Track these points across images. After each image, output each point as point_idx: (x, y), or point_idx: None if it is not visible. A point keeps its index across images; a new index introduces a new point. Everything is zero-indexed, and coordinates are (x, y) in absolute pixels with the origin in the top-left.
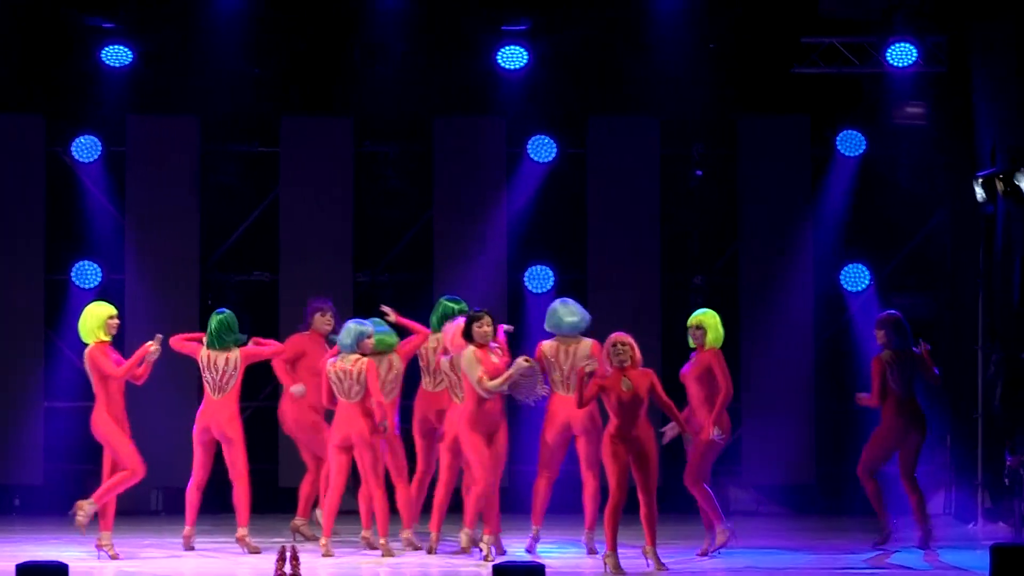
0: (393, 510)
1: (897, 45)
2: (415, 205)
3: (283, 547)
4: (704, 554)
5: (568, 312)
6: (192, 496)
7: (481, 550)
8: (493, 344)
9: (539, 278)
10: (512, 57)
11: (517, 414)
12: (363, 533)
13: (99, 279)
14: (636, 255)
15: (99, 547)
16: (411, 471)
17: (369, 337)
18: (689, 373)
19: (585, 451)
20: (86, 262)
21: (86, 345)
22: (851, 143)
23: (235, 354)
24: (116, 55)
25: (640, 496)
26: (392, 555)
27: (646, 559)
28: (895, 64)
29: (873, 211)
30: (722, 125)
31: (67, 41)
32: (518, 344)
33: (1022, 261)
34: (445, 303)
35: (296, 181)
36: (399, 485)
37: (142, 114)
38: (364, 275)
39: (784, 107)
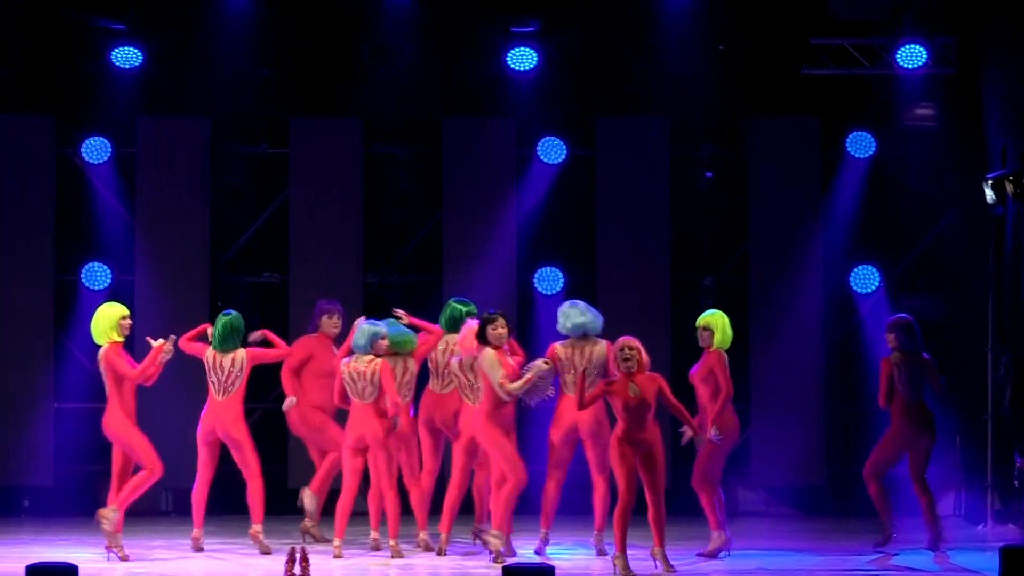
0: (406, 511)
1: (907, 46)
2: (424, 206)
3: (293, 548)
4: (706, 556)
5: (577, 313)
6: (198, 497)
7: (491, 552)
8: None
9: (549, 279)
10: (521, 58)
11: (524, 416)
12: (372, 534)
13: (108, 280)
14: (645, 256)
15: (109, 548)
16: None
17: (383, 338)
18: (696, 374)
19: (593, 454)
20: (96, 263)
21: (98, 346)
22: (861, 144)
23: (241, 355)
24: (125, 56)
25: (648, 498)
26: (402, 556)
27: (654, 561)
28: (905, 65)
29: (883, 212)
30: (731, 126)
31: (76, 43)
32: (528, 345)
33: None
34: (454, 305)
35: (305, 182)
36: (412, 487)
37: (151, 115)
38: (373, 276)
39: (794, 108)
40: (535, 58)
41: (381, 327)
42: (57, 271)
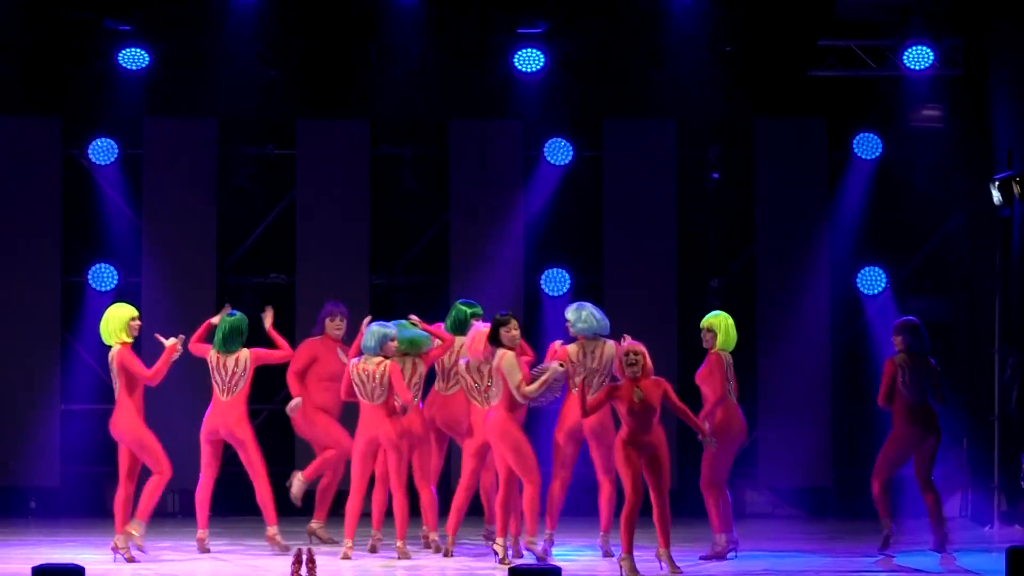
0: (415, 513)
1: (914, 48)
2: (431, 208)
3: (299, 550)
4: (708, 559)
5: (587, 314)
6: (202, 498)
7: (496, 553)
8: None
9: (555, 281)
10: (528, 60)
11: (529, 416)
12: (374, 535)
13: (115, 281)
14: (652, 257)
15: (115, 550)
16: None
17: (393, 340)
18: (699, 376)
19: (597, 455)
20: (103, 264)
21: (107, 347)
22: (868, 146)
23: (244, 355)
24: (133, 58)
25: (652, 499)
26: (408, 557)
27: (660, 562)
28: (912, 67)
29: (889, 214)
30: (738, 128)
31: (84, 44)
32: (535, 347)
33: None
34: (459, 306)
35: (312, 183)
36: (423, 488)
37: (158, 116)
38: (380, 277)
39: (801, 110)
40: (542, 60)
41: (391, 329)
42: (64, 272)
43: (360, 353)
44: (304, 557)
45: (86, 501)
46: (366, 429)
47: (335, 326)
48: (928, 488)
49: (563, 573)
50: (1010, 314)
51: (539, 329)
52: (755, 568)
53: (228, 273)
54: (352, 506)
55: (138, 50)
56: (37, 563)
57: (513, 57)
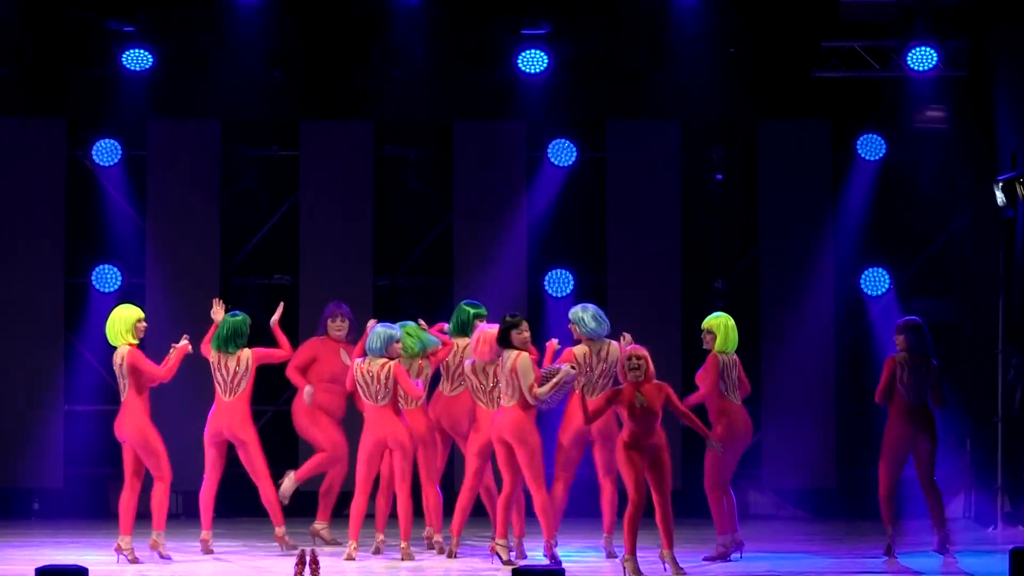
0: (419, 514)
1: (917, 49)
2: (435, 209)
3: (303, 551)
4: (712, 559)
5: (591, 316)
6: (206, 499)
7: (499, 555)
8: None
9: (559, 282)
10: (532, 61)
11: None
12: (377, 536)
13: (119, 283)
14: (656, 259)
15: (119, 551)
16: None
17: (398, 341)
18: (698, 376)
19: (602, 457)
20: (106, 266)
21: (112, 348)
22: (871, 147)
23: (246, 355)
24: (136, 59)
25: (655, 501)
26: (412, 558)
27: (664, 563)
28: (915, 68)
29: (893, 215)
30: (742, 129)
31: (87, 45)
32: (539, 348)
33: None
34: (463, 307)
35: (316, 185)
36: (429, 489)
37: (162, 118)
38: (384, 278)
39: (805, 111)
40: (546, 60)
41: (396, 330)
42: (67, 273)
43: (364, 354)
44: (308, 558)
45: (89, 502)
46: (372, 430)
47: (337, 327)
48: (931, 490)
49: (567, 574)
50: (1013, 315)
51: (543, 330)
52: (758, 569)
53: (232, 274)
54: (357, 507)
55: (142, 51)
56: (40, 564)
57: (517, 58)
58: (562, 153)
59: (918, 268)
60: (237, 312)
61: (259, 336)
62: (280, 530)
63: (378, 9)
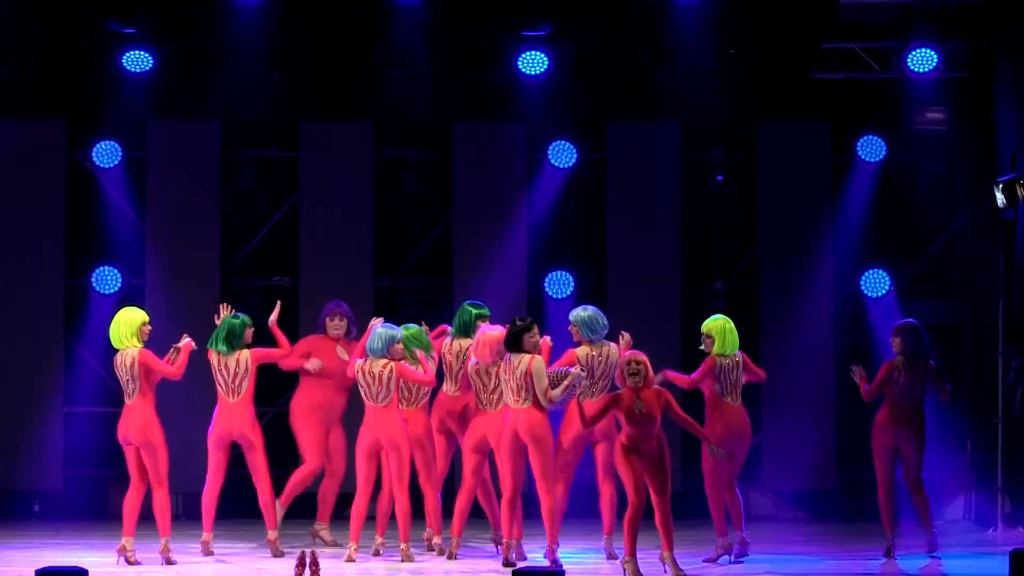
0: (420, 515)
1: (918, 50)
2: (435, 210)
3: (303, 552)
4: (711, 560)
5: (590, 317)
6: (208, 501)
7: (500, 552)
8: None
9: (559, 283)
10: (532, 62)
11: None
12: (377, 539)
13: (119, 284)
14: (656, 260)
15: (122, 552)
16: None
17: (399, 342)
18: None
19: (603, 457)
20: (106, 267)
21: (113, 350)
22: (871, 148)
23: (245, 356)
24: (136, 60)
25: (654, 502)
26: (412, 560)
27: (664, 565)
28: (916, 69)
29: (893, 216)
30: (742, 130)
31: (88, 47)
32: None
33: None
34: (467, 308)
35: (316, 186)
36: (428, 490)
37: (162, 119)
38: (384, 280)
39: (805, 112)
40: (546, 62)
41: (397, 331)
42: (67, 275)
43: (364, 355)
44: (308, 559)
45: (89, 504)
46: (369, 430)
47: (335, 326)
48: (917, 490)
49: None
50: (1014, 316)
51: (542, 331)
52: (758, 571)
53: (232, 276)
54: (357, 508)
55: (142, 53)
56: (40, 566)
57: (517, 59)
58: (562, 154)
59: (918, 269)
60: (239, 313)
61: (259, 337)
62: (272, 534)
63: (378, 10)
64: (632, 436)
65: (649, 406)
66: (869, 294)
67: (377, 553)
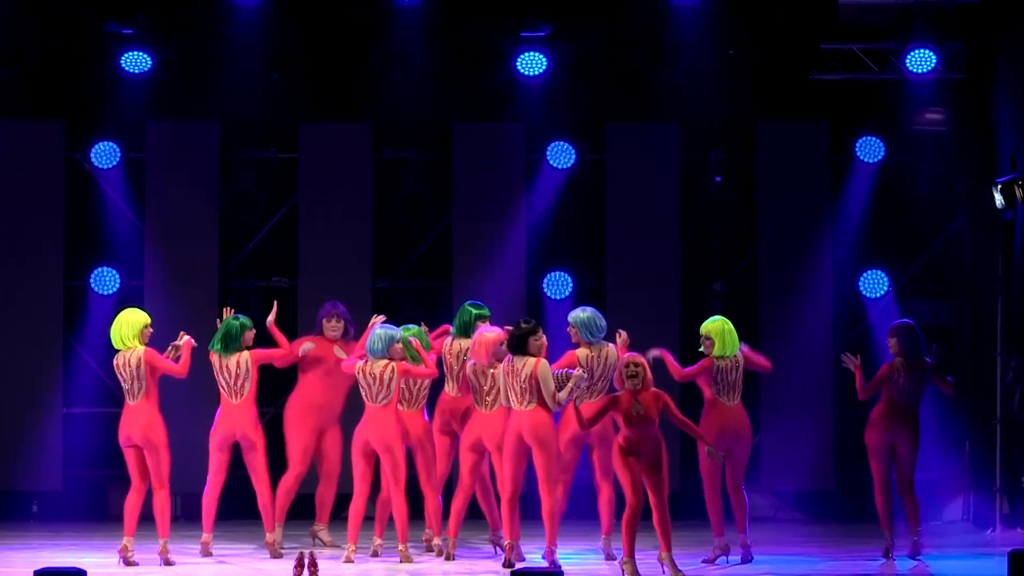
0: (418, 515)
1: (916, 51)
2: (434, 211)
3: (301, 553)
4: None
5: (588, 318)
6: (209, 502)
7: (499, 553)
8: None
9: (558, 284)
10: (531, 63)
11: None
12: (375, 540)
13: (118, 285)
14: (655, 261)
15: (121, 553)
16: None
17: (399, 343)
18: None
19: (600, 459)
20: (105, 268)
21: (113, 351)
22: (870, 149)
23: (245, 357)
24: (135, 61)
25: (652, 503)
26: (410, 560)
27: (662, 566)
28: (914, 70)
29: (892, 217)
30: (741, 131)
31: (86, 47)
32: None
33: None
34: (467, 308)
35: (315, 187)
36: (428, 492)
37: (161, 120)
38: (383, 281)
39: (804, 113)
40: (545, 63)
41: (396, 332)
42: (66, 276)
43: (363, 356)
44: (306, 560)
45: (88, 505)
46: (363, 430)
47: (332, 327)
48: (909, 493)
49: None
50: (1012, 317)
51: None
52: (757, 571)
53: (231, 277)
54: (354, 509)
55: (141, 53)
56: (39, 567)
57: (516, 60)
58: (561, 155)
59: (917, 270)
60: (239, 315)
61: (259, 338)
62: (271, 536)
63: (377, 10)
64: (630, 438)
65: (647, 408)
66: (868, 295)
67: (375, 554)
